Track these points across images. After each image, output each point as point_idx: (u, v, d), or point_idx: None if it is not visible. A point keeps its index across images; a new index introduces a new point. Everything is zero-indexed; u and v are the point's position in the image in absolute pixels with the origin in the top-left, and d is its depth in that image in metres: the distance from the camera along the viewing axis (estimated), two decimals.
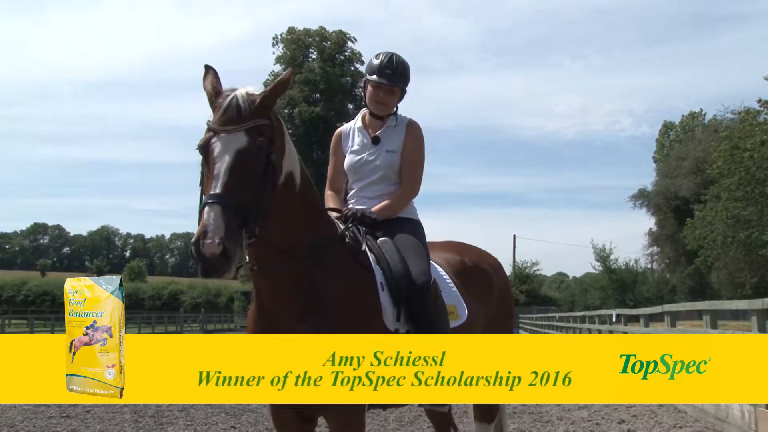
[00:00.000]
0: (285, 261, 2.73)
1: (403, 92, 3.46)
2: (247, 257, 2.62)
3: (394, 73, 3.37)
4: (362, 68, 56.34)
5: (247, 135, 2.46)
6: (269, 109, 2.59)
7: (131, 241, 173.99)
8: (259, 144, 2.47)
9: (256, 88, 2.62)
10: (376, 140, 3.43)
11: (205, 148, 2.49)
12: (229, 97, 2.52)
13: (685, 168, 48.58)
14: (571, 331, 22.31)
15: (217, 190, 2.35)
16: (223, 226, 2.27)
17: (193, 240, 2.30)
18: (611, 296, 50.04)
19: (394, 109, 3.47)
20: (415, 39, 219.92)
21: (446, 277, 3.45)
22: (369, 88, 3.43)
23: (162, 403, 8.64)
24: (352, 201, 3.46)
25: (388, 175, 3.41)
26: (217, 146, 2.45)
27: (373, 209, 3.27)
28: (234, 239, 2.30)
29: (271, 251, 2.68)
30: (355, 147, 3.48)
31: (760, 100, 29.16)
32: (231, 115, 2.48)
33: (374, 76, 3.37)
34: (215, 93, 2.59)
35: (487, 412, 3.87)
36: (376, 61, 3.41)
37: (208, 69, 2.67)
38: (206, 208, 2.32)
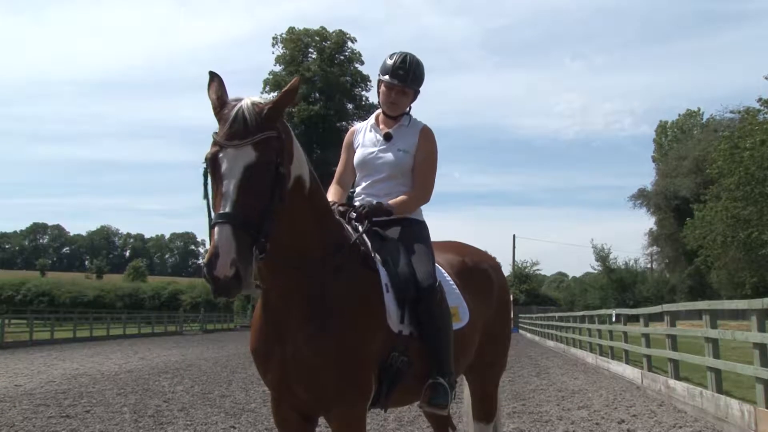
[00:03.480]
0: (296, 267, 2.70)
1: (416, 93, 3.44)
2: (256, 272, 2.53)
3: (407, 74, 3.34)
4: (362, 68, 56.55)
5: (254, 149, 2.39)
6: (277, 120, 2.51)
7: (131, 241, 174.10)
8: (267, 158, 2.41)
9: (263, 98, 2.53)
10: (388, 137, 3.42)
11: (212, 162, 2.42)
12: (235, 109, 2.43)
13: (684, 168, 48.61)
14: (570, 331, 22.30)
15: (227, 209, 2.30)
16: (234, 247, 2.23)
17: (205, 261, 2.25)
18: (611, 296, 50.12)
19: (408, 109, 3.47)
20: (415, 38, 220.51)
21: (448, 278, 3.44)
22: (382, 88, 3.42)
23: (162, 403, 8.65)
24: (359, 198, 3.45)
25: (396, 174, 3.39)
26: (224, 162, 2.38)
27: (390, 202, 3.25)
28: (245, 260, 2.26)
29: (280, 257, 2.65)
30: (366, 143, 3.49)
31: (760, 99, 29.21)
32: (237, 128, 2.40)
33: (386, 77, 3.36)
34: (220, 103, 2.50)
35: (486, 412, 3.87)
36: (389, 62, 3.38)
37: (213, 76, 2.57)
38: (217, 228, 2.27)
